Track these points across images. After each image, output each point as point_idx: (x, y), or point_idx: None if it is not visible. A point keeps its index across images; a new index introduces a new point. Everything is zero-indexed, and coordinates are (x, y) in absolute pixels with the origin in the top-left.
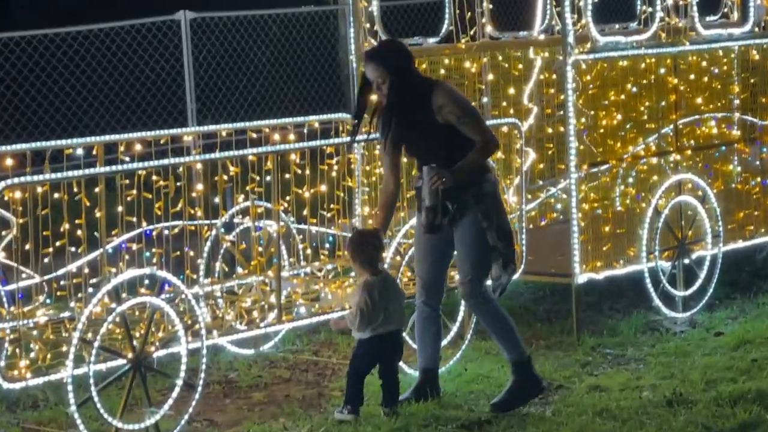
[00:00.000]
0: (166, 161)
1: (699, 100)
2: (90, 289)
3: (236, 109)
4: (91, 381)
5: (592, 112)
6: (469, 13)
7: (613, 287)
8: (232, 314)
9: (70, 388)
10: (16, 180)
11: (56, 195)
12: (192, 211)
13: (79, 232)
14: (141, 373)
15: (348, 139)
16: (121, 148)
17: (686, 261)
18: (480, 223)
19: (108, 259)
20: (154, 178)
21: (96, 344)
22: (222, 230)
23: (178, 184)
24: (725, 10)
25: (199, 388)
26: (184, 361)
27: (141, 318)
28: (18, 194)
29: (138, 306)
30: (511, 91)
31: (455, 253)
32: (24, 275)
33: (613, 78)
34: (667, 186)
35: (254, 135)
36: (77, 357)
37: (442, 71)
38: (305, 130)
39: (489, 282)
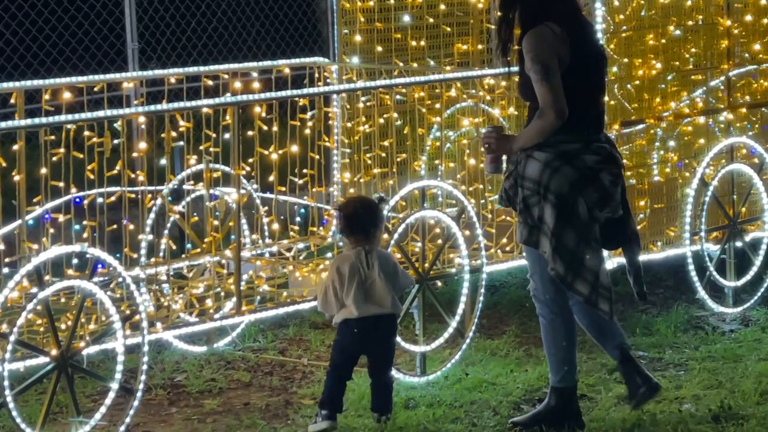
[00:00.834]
0: (101, 113)
1: (757, 47)
2: (5, 270)
3: (188, 50)
4: (6, 383)
5: (626, 60)
6: None
7: (648, 275)
8: (180, 303)
9: None
10: None
11: None
12: (132, 175)
13: None
14: (67, 374)
15: (322, 88)
16: (46, 97)
17: (739, 244)
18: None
19: (28, 232)
20: (86, 134)
21: (12, 338)
22: (169, 199)
23: (116, 141)
24: None
25: (139, 394)
26: (121, 359)
27: (68, 306)
28: None
29: (65, 291)
30: None
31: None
32: None
33: (652, 18)
34: (716, 152)
35: (210, 82)
36: None
37: (443, 6)
38: (273, 77)
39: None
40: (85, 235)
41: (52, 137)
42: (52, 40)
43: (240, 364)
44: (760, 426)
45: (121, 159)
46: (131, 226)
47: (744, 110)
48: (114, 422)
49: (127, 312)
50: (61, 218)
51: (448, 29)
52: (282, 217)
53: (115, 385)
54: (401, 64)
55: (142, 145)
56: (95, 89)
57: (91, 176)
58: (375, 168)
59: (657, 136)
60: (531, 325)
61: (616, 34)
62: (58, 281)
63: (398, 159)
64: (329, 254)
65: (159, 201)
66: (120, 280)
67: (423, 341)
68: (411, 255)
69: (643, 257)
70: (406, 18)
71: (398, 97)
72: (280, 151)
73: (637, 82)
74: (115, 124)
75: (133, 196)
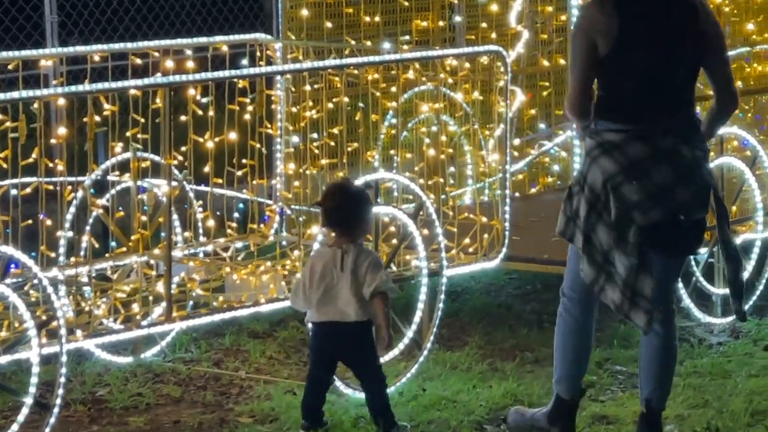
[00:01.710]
0: (15, 94)
1: (750, 26)
2: None
3: (114, 24)
4: None
5: None
6: None
7: None
8: (103, 308)
9: None
10: None
11: None
12: (50, 165)
13: None
14: None
15: (264, 69)
16: None
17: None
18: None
19: None
20: None
21: None
22: (92, 191)
23: (32, 126)
24: None
25: (56, 410)
26: (36, 371)
27: None
28: None
29: None
30: (494, 7)
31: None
32: None
33: None
34: None
35: (138, 61)
36: None
37: None
38: (209, 55)
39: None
40: None
41: None
42: None
43: (170, 377)
44: None
45: (37, 146)
46: (49, 222)
47: None
48: None
49: (44, 318)
50: None
51: (406, 3)
52: (218, 213)
53: (29, 400)
54: (353, 42)
55: (62, 130)
56: (9, 67)
57: (4, 165)
58: (323, 158)
59: None
60: (496, 336)
61: None
62: None
63: (349, 148)
64: (269, 255)
65: (80, 193)
66: (36, 281)
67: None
68: None
69: None
70: None
71: (349, 79)
72: (217, 139)
73: None
74: (31, 107)
75: (51, 187)
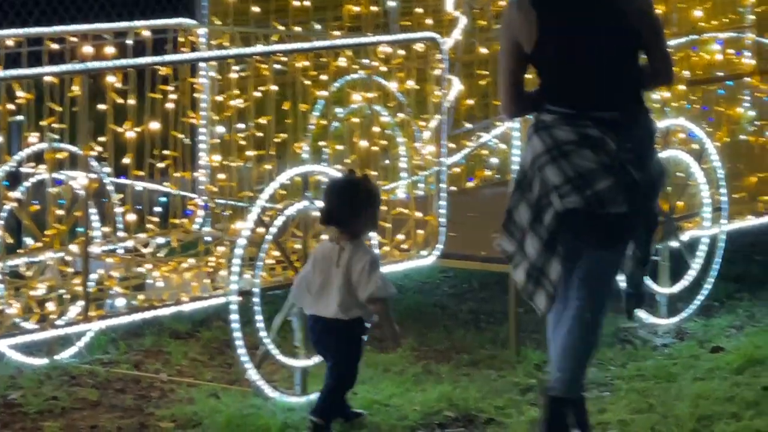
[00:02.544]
0: None
1: (698, 13)
2: None
3: (28, 7)
4: None
5: None
6: None
7: None
8: (16, 307)
9: None
10: None
11: None
12: None
13: None
14: None
15: (187, 55)
16: None
17: (674, 244)
18: None
19: None
20: None
21: None
22: (5, 183)
23: None
24: None
25: None
26: None
27: None
28: None
29: None
30: None
31: None
32: None
33: None
34: None
35: (55, 46)
36: None
37: None
38: (130, 41)
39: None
40: None
41: None
42: None
43: (87, 379)
44: None
45: None
46: None
47: (681, 87)
48: None
49: None
50: None
51: None
52: (138, 207)
53: None
54: (281, 27)
55: None
56: None
57: None
58: (249, 150)
59: None
60: (431, 337)
61: None
62: None
63: (277, 140)
64: (191, 251)
65: None
66: None
67: (303, 354)
68: (291, 253)
69: None
70: None
71: (277, 66)
72: (138, 129)
73: None
74: None
75: None
